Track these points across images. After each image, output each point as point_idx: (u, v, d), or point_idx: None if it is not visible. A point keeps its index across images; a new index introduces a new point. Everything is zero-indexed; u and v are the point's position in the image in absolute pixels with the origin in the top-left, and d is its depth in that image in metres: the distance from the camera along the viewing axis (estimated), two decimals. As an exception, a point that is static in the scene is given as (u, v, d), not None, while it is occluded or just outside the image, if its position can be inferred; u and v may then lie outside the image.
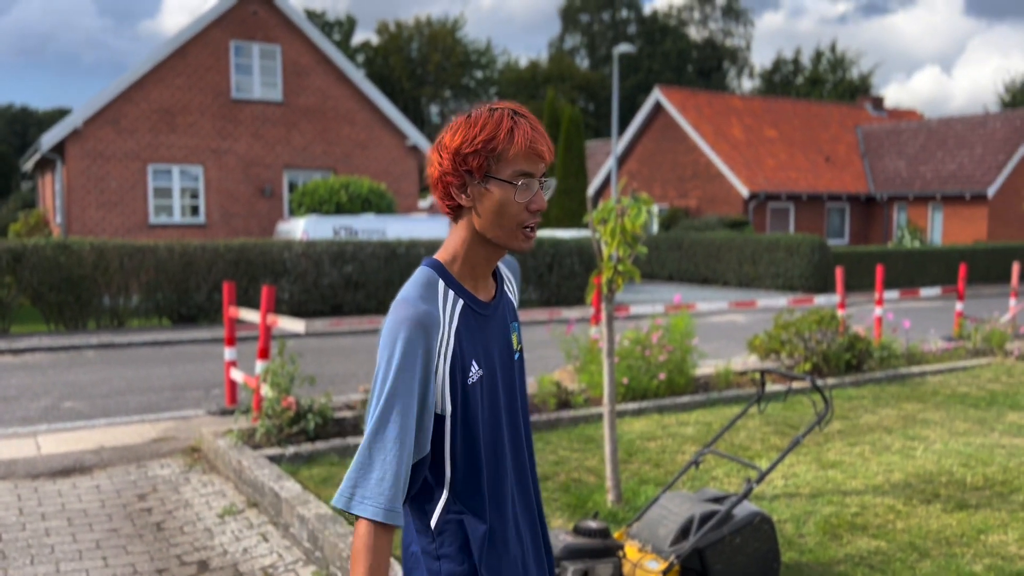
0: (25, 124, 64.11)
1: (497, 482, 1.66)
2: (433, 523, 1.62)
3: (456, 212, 1.64)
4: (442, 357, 1.57)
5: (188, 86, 18.38)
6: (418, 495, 1.64)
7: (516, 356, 1.75)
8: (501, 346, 1.71)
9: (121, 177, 17.90)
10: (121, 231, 17.88)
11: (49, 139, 17.35)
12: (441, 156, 1.61)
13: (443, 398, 1.59)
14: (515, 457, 1.72)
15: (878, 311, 10.00)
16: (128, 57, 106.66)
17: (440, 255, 1.68)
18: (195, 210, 18.72)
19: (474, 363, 1.62)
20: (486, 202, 1.59)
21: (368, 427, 1.55)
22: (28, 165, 22.24)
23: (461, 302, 1.63)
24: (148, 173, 18.15)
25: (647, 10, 64.39)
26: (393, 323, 1.55)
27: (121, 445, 6.21)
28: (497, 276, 1.78)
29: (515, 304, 1.85)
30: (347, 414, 6.44)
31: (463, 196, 1.61)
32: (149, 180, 18.18)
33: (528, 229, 1.62)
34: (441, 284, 1.62)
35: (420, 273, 1.64)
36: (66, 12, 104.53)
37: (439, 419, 1.60)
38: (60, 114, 58.65)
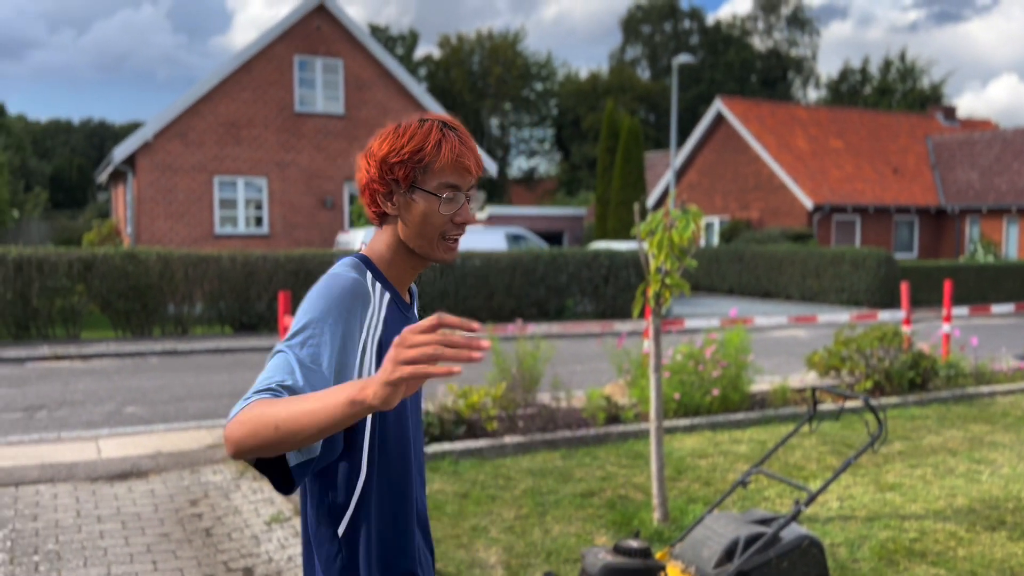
0: (103, 137, 66.68)
1: (407, 488, 1.62)
2: (341, 530, 1.57)
3: (382, 218, 1.65)
4: (372, 335, 1.54)
5: (253, 100, 18.85)
6: (328, 495, 1.57)
7: None
8: None
9: (188, 188, 18.42)
10: (188, 241, 18.38)
11: (121, 152, 17.97)
12: (369, 163, 1.61)
13: (369, 375, 1.53)
14: (418, 472, 1.69)
15: (945, 328, 9.64)
16: (199, 72, 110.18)
17: (366, 253, 1.67)
18: (259, 221, 19.15)
19: None
20: (411, 212, 1.60)
21: (271, 359, 1.46)
22: (102, 177, 23.07)
23: (387, 295, 1.62)
24: (214, 184, 18.64)
25: (710, 20, 63.73)
26: (324, 286, 1.52)
27: (177, 451, 6.35)
28: (411, 292, 1.76)
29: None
30: (396, 424, 6.47)
31: (389, 204, 1.61)
32: (215, 191, 18.67)
33: (451, 241, 1.62)
34: (369, 274, 1.61)
35: (346, 259, 1.62)
36: (143, 30, 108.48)
37: None
38: (134, 128, 60.85)
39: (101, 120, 70.12)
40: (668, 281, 4.56)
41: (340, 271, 1.57)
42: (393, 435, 1.59)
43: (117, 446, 6.50)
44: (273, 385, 1.38)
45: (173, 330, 13.44)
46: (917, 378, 8.33)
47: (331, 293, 1.51)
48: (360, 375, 1.51)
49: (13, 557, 4.32)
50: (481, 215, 28.69)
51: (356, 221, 18.00)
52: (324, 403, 1.28)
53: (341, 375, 1.47)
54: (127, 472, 5.93)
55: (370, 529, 1.57)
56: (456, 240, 1.63)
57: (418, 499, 1.69)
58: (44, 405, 8.24)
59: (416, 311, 1.84)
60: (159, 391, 9.08)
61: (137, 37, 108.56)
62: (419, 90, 20.33)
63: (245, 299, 13.60)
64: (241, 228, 18.95)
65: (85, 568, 4.22)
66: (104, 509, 5.13)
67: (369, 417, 1.55)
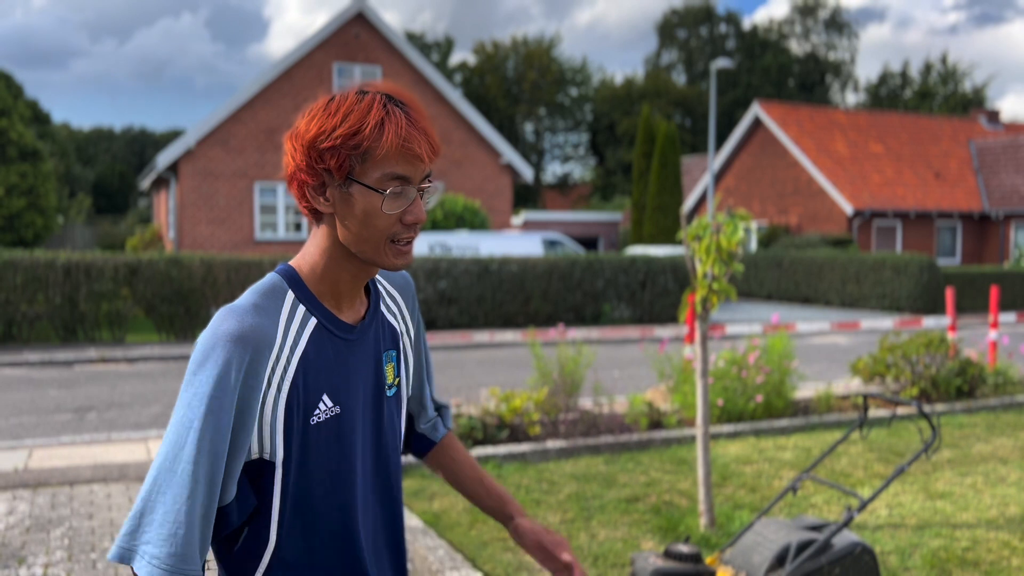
0: (143, 144, 67.97)
1: (343, 546, 1.35)
2: None
3: (315, 215, 1.33)
4: (274, 387, 1.26)
5: (293, 107, 19.11)
6: (235, 557, 1.32)
7: (391, 392, 1.44)
8: (368, 379, 1.39)
9: (229, 194, 18.72)
10: (228, 246, 18.67)
11: (164, 159, 18.32)
12: (295, 148, 1.29)
13: (272, 440, 1.26)
14: (381, 512, 1.44)
15: (992, 335, 9.46)
16: (237, 79, 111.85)
17: (296, 262, 1.36)
18: (298, 227, 19.39)
19: (325, 398, 1.31)
20: (348, 209, 1.27)
21: (154, 463, 1.22)
22: (145, 183, 23.53)
23: (313, 321, 1.32)
24: (255, 190, 18.93)
25: (747, 24, 63.26)
26: (210, 336, 1.22)
27: (224, 452, 6.45)
28: (371, 294, 1.44)
29: (403, 329, 1.51)
30: (439, 428, 6.51)
31: (321, 200, 1.29)
32: (255, 197, 18.95)
33: (402, 243, 1.31)
34: (290, 295, 1.31)
35: (266, 279, 1.33)
36: (182, 39, 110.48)
37: (266, 466, 1.27)
38: (174, 135, 61.93)
39: (142, 128, 71.52)
40: (715, 286, 4.54)
41: (242, 304, 1.27)
42: (321, 488, 1.32)
43: (166, 447, 6.63)
44: (174, 553, 1.17)
45: (215, 334, 13.65)
46: (964, 385, 8.19)
47: (209, 353, 1.22)
48: (261, 437, 1.26)
49: (71, 554, 4.42)
50: (517, 220, 28.74)
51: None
52: None
53: (234, 453, 1.23)
54: (176, 472, 6.04)
55: None
56: (409, 243, 1.32)
57: (373, 552, 1.42)
58: (93, 407, 8.42)
59: (407, 309, 1.55)
60: (204, 393, 9.22)
61: (176, 46, 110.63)
62: (455, 96, 20.46)
63: (285, 303, 13.77)
64: (281, 233, 19.21)
65: (140, 566, 4.31)
66: (156, 508, 5.23)
67: (279, 475, 1.28)
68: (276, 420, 1.26)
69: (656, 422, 6.91)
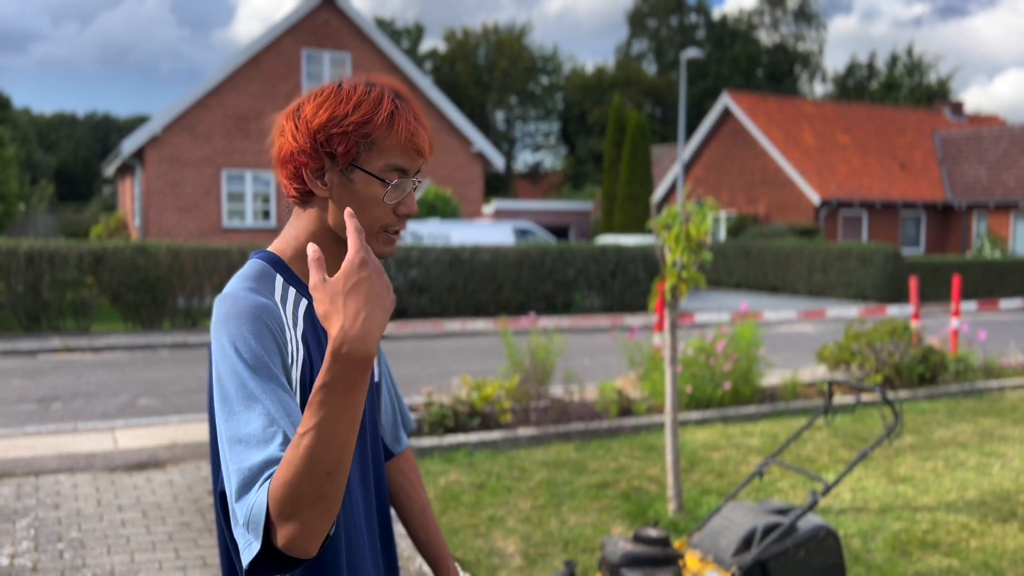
0: (107, 131, 66.82)
1: (342, 528, 1.34)
2: None
3: (304, 198, 1.33)
4: (293, 360, 1.25)
5: (261, 93, 18.89)
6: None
7: (374, 381, 1.43)
8: None
9: (196, 182, 18.48)
10: (196, 234, 18.45)
11: (129, 145, 18.03)
12: (297, 129, 1.29)
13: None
14: (364, 498, 1.42)
15: (954, 323, 9.66)
16: (202, 65, 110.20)
17: (276, 247, 1.37)
18: (267, 214, 19.21)
19: None
20: (347, 195, 1.30)
21: (229, 451, 1.14)
22: (110, 170, 23.14)
23: (304, 301, 1.32)
24: (222, 178, 18.70)
25: (716, 14, 63.58)
26: (228, 313, 1.21)
27: (193, 442, 6.40)
28: None
29: None
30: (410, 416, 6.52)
31: (319, 183, 1.30)
32: (223, 185, 18.73)
33: (392, 233, 1.33)
34: (279, 279, 1.32)
35: (250, 266, 1.32)
36: (146, 23, 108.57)
37: None
38: (139, 121, 60.92)
39: (106, 113, 70.29)
40: (684, 275, 4.59)
41: (234, 291, 1.26)
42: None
43: (133, 437, 6.56)
44: (274, 456, 1.12)
45: (183, 323, 13.51)
46: (927, 372, 8.36)
47: (238, 326, 1.20)
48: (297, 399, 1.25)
49: (38, 544, 4.38)
50: (488, 209, 28.72)
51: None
52: (329, 396, 1.04)
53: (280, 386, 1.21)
54: (145, 462, 5.99)
55: None
56: (398, 233, 1.35)
57: (367, 535, 1.42)
58: (58, 396, 8.31)
59: None
60: (171, 383, 9.14)
61: (141, 30, 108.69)
62: (426, 83, 20.35)
63: (254, 292, 13.65)
64: (249, 221, 19.01)
65: (109, 555, 4.28)
66: (124, 499, 5.19)
67: None
68: (298, 395, 1.26)
69: (626, 409, 6.98)
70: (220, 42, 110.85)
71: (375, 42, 19.78)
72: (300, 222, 1.35)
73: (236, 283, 1.28)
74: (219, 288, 13.47)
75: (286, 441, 1.13)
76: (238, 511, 1.11)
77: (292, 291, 1.32)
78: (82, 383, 9.04)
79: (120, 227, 21.72)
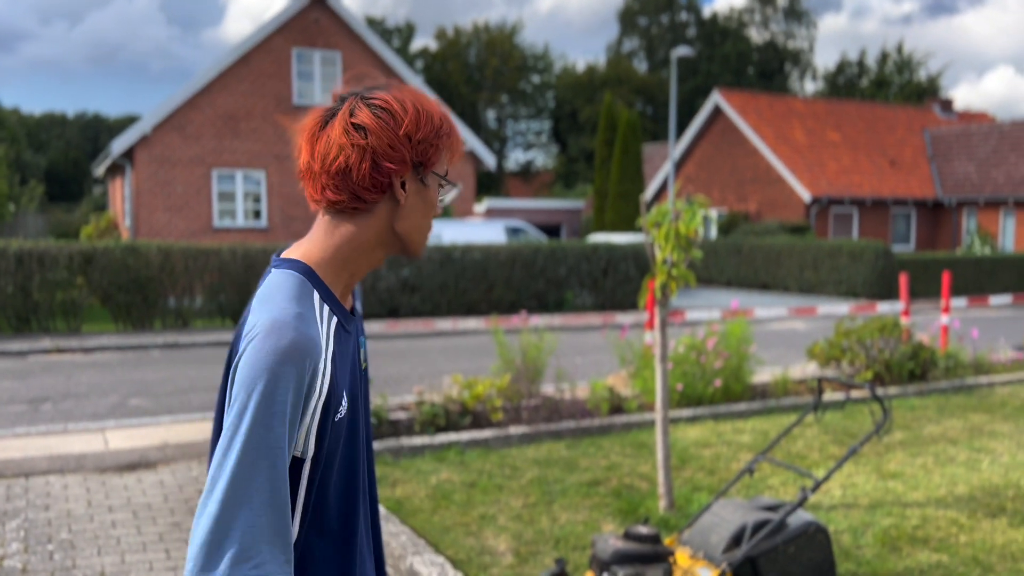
0: (97, 130, 66.49)
1: (349, 531, 1.39)
2: None
3: (356, 206, 1.36)
4: (318, 393, 1.29)
5: (251, 92, 18.84)
6: None
7: (362, 372, 1.50)
8: (354, 364, 1.44)
9: (187, 182, 18.42)
10: (186, 234, 18.39)
11: (119, 145, 17.95)
12: (392, 145, 1.33)
13: (307, 439, 1.29)
14: (369, 495, 1.51)
15: (944, 319, 9.71)
16: (193, 64, 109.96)
17: (308, 256, 1.37)
18: (257, 214, 19.16)
19: (344, 395, 1.36)
20: (419, 200, 1.38)
21: (221, 479, 1.20)
22: (100, 170, 23.05)
23: (335, 320, 1.35)
24: (212, 178, 18.65)
25: (706, 12, 63.69)
26: (272, 353, 1.23)
27: (184, 442, 6.39)
28: (352, 294, 1.52)
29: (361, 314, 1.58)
30: (401, 415, 6.52)
31: (402, 191, 1.36)
32: (213, 184, 18.67)
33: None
34: (316, 297, 1.33)
35: (291, 281, 1.32)
36: (136, 22, 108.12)
37: (297, 463, 1.30)
38: (130, 121, 60.66)
39: (95, 113, 69.93)
40: (675, 272, 4.60)
41: (287, 316, 1.26)
42: (337, 480, 1.37)
43: (124, 438, 6.54)
44: (279, 572, 1.21)
45: (174, 323, 13.47)
46: (917, 369, 8.40)
47: (278, 369, 1.23)
48: (298, 437, 1.29)
49: (27, 546, 4.36)
50: (479, 207, 28.70)
51: (355, 214, 18.01)
52: None
53: (289, 446, 1.28)
54: (135, 463, 5.97)
55: None
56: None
57: (364, 549, 1.46)
58: (48, 397, 8.27)
59: (359, 305, 1.57)
60: (162, 383, 9.11)
61: (130, 29, 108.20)
62: (417, 82, 20.33)
63: (245, 292, 13.62)
64: (240, 221, 18.96)
65: (99, 556, 4.26)
66: (114, 499, 5.17)
67: (307, 471, 1.31)
68: (314, 422, 1.29)
69: (617, 407, 6.99)
70: (210, 41, 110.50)
71: (366, 41, 19.75)
72: (343, 230, 1.36)
73: (284, 306, 1.28)
74: (210, 288, 13.43)
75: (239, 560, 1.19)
76: (214, 557, 1.18)
77: (327, 309, 1.34)
78: (72, 384, 9.01)
79: (110, 227, 21.63)
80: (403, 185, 1.36)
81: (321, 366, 1.28)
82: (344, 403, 1.35)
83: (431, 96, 1.43)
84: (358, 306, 1.53)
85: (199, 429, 6.85)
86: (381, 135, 1.33)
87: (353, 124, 1.33)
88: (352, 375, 1.40)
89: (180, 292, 13.33)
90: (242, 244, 13.70)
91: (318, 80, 19.41)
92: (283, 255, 1.38)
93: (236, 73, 18.68)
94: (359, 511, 1.41)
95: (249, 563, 1.18)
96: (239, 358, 1.26)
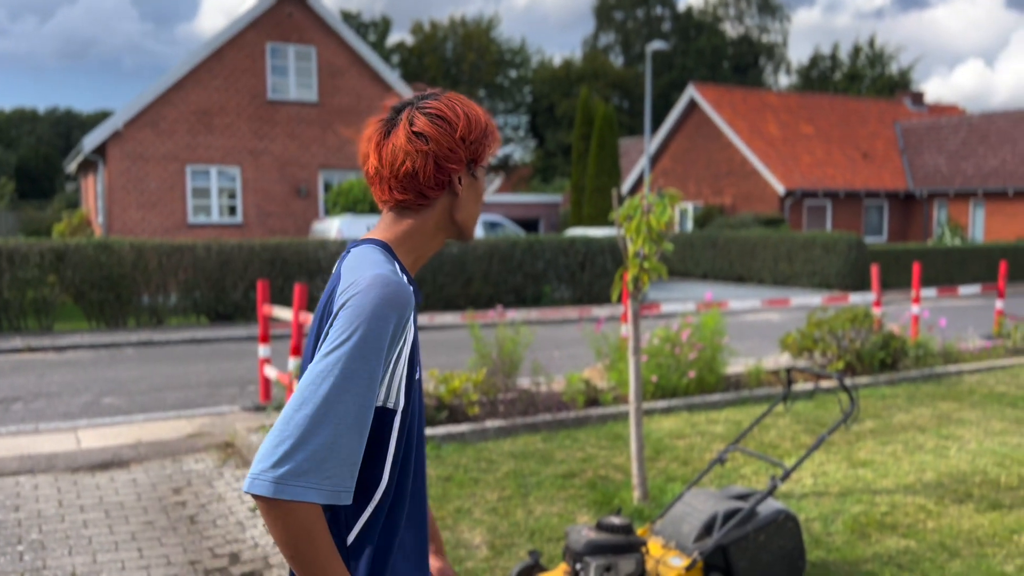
0: (69, 126, 65.61)
1: (422, 489, 1.55)
2: (351, 539, 1.44)
3: (421, 202, 1.54)
4: (408, 344, 1.43)
5: (225, 88, 18.67)
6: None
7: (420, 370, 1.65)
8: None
9: (160, 178, 18.24)
10: (160, 231, 18.22)
11: (91, 141, 17.74)
12: (452, 149, 1.51)
13: (398, 390, 1.43)
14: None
15: (915, 309, 9.84)
16: (166, 60, 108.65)
17: (384, 237, 1.56)
18: (232, 210, 19.01)
19: (421, 357, 1.53)
20: (472, 192, 1.58)
21: (314, 397, 1.31)
22: (72, 166, 22.76)
23: (410, 288, 1.49)
24: (186, 174, 18.47)
25: (681, 7, 63.91)
26: (378, 297, 1.37)
27: (158, 440, 6.35)
28: None
29: None
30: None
31: (459, 186, 1.55)
32: (187, 181, 18.50)
33: None
34: (396, 265, 1.50)
35: (377, 251, 1.50)
36: (108, 17, 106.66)
37: (388, 414, 1.42)
38: (102, 116, 59.88)
39: (67, 109, 68.98)
40: (646, 265, 4.64)
41: (385, 271, 1.42)
42: (418, 441, 1.51)
43: (97, 436, 6.49)
44: (342, 489, 1.31)
45: (148, 321, 13.35)
46: (888, 358, 8.51)
47: (385, 314, 1.37)
48: (388, 387, 1.41)
49: (-3, 547, 4.32)
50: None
51: (331, 209, 17.93)
52: None
53: (379, 385, 1.40)
54: (108, 462, 5.92)
55: (386, 539, 1.46)
56: None
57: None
58: (19, 397, 8.18)
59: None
60: (136, 382, 9.04)
61: (102, 24, 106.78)
62: (393, 77, 20.25)
63: (220, 289, 13.53)
64: (215, 217, 18.81)
65: (70, 556, 4.23)
66: (86, 499, 5.13)
67: (398, 422, 1.44)
68: (403, 373, 1.43)
69: (593, 399, 7.03)
70: (183, 36, 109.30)
71: (341, 35, 19.63)
72: (409, 221, 1.55)
73: (380, 266, 1.43)
74: (185, 285, 13.32)
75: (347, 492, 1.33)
76: (290, 457, 1.29)
77: (405, 277, 1.50)
78: (44, 383, 8.91)
79: (83, 224, 21.37)
80: (459, 180, 1.55)
81: (410, 319, 1.43)
82: (420, 364, 1.50)
83: (472, 101, 1.60)
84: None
85: (174, 427, 6.80)
86: (440, 140, 1.51)
87: (415, 132, 1.51)
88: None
89: (154, 289, 13.21)
90: (217, 240, 13.60)
91: (292, 75, 19.27)
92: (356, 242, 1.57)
93: (209, 68, 18.50)
94: (424, 467, 1.55)
95: (320, 473, 1.29)
96: (339, 309, 1.39)
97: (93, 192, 21.53)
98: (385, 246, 1.53)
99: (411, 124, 1.52)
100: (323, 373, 1.32)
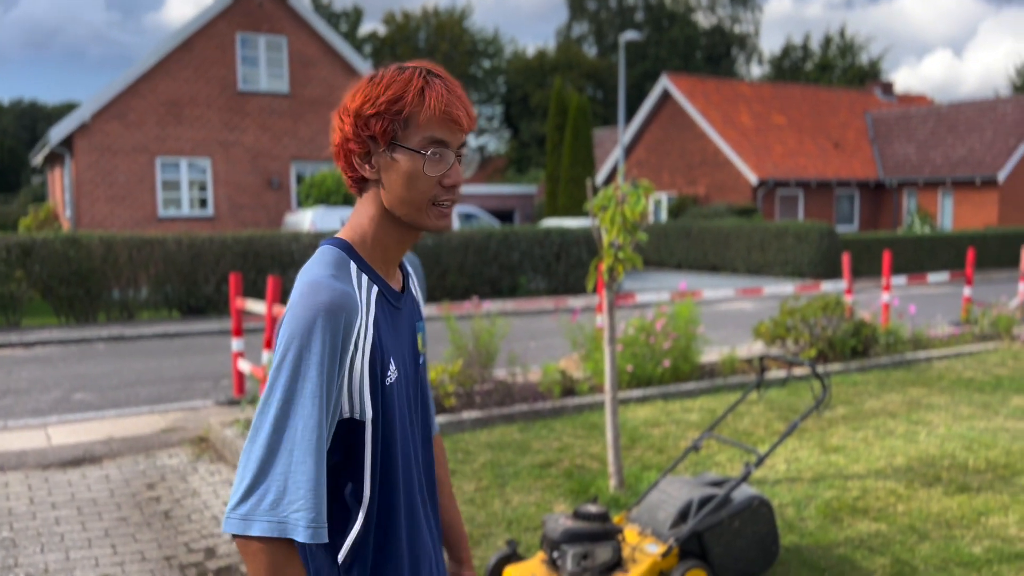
0: (34, 118, 64.45)
1: (412, 501, 1.47)
2: (341, 556, 1.39)
3: (361, 185, 1.43)
4: (360, 351, 1.35)
5: (195, 78, 18.44)
6: (332, 514, 1.40)
7: (421, 360, 1.55)
8: (409, 347, 1.50)
9: (129, 170, 17.99)
10: (130, 224, 17.98)
11: (57, 133, 17.45)
12: (343, 120, 1.39)
13: (362, 400, 1.36)
14: (426, 473, 1.56)
15: (885, 297, 9.98)
16: (134, 50, 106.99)
17: (345, 234, 1.45)
18: (203, 202, 18.81)
19: (392, 360, 1.41)
20: (392, 174, 1.38)
21: (263, 427, 1.28)
22: (37, 159, 22.37)
23: (375, 288, 1.41)
24: (156, 166, 18.24)
25: (654, -3, 63.93)
26: (307, 308, 1.30)
27: (130, 436, 6.28)
28: (403, 269, 1.57)
29: (421, 304, 1.63)
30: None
31: (367, 167, 1.40)
32: (157, 173, 18.27)
33: (443, 206, 1.41)
34: (353, 266, 1.40)
35: (326, 253, 1.40)
36: (73, 6, 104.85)
37: (357, 425, 1.37)
38: (68, 108, 58.90)
39: (32, 100, 67.75)
40: (621, 255, 4.65)
41: (321, 276, 1.34)
42: (403, 450, 1.44)
43: (68, 433, 6.41)
44: (311, 518, 1.27)
45: (119, 315, 13.18)
46: (859, 345, 8.62)
47: (312, 323, 1.29)
48: (351, 397, 1.36)
49: (-33, 545, 4.26)
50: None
51: (304, 201, 17.79)
52: None
53: (331, 417, 1.34)
54: (80, 458, 5.85)
55: (379, 555, 1.41)
56: (450, 206, 1.42)
57: (428, 510, 1.54)
58: (-12, 394, 8.05)
59: (419, 287, 1.63)
60: (108, 377, 8.93)
61: (67, 13, 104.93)
62: (365, 67, 20.10)
63: (192, 282, 13.39)
64: (185, 210, 18.60)
65: (42, 554, 4.18)
66: (58, 496, 5.07)
67: (368, 433, 1.38)
68: (364, 381, 1.35)
69: (569, 389, 7.05)
70: (152, 26, 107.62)
71: (312, 26, 19.45)
72: (362, 208, 1.44)
73: (318, 269, 1.35)
74: (156, 279, 13.17)
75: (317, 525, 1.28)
76: (253, 496, 1.27)
77: (364, 277, 1.40)
78: (12, 380, 8.78)
79: (50, 218, 21.03)
80: (369, 162, 1.40)
81: (359, 323, 1.34)
82: (392, 368, 1.40)
83: (436, 68, 1.42)
84: (412, 287, 1.58)
85: (146, 422, 6.74)
86: (345, 115, 1.39)
87: (341, 105, 1.41)
88: (404, 350, 1.47)
89: (124, 284, 13.04)
90: (188, 233, 13.45)
91: (263, 66, 19.07)
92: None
93: (179, 59, 18.26)
94: (413, 477, 1.47)
95: (284, 501, 1.26)
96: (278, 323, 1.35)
97: (60, 185, 21.19)
98: (343, 244, 1.42)
99: (348, 94, 1.42)
100: (267, 400, 1.29)
